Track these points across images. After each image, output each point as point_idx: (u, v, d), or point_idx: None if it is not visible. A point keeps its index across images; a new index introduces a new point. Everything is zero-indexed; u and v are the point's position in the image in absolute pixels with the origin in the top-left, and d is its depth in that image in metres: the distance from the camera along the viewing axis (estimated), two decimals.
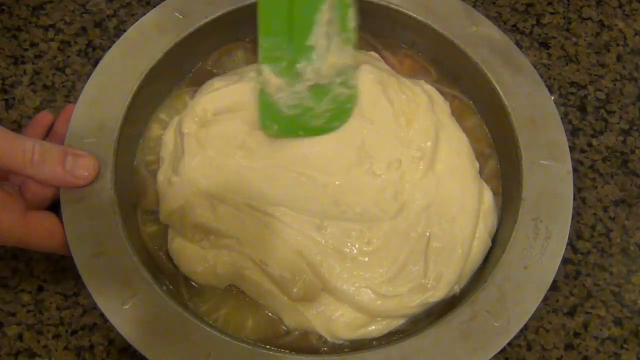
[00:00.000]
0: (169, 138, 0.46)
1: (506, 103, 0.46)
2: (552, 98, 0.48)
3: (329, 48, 0.43)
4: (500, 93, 0.46)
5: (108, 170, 0.41)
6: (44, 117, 0.47)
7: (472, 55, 0.48)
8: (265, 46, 0.43)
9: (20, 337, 0.47)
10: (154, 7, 0.49)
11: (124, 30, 0.47)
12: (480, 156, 0.48)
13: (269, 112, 0.43)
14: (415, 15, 0.49)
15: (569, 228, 0.42)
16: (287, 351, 0.39)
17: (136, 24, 0.47)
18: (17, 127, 0.56)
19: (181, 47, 0.47)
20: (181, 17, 0.47)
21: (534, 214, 0.42)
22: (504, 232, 0.44)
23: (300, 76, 0.43)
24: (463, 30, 0.49)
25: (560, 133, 0.45)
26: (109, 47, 0.48)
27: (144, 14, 0.49)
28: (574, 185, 0.44)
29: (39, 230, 0.39)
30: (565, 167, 0.44)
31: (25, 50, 0.59)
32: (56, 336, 0.47)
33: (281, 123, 0.43)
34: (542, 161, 0.44)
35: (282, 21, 0.42)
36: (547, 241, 0.41)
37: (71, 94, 0.58)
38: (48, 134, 0.47)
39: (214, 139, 0.44)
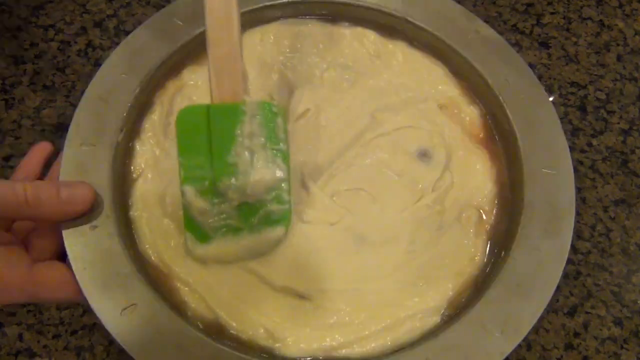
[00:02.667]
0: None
1: (505, 105, 0.46)
2: (552, 98, 0.48)
3: (253, 164, 0.39)
4: (499, 95, 0.46)
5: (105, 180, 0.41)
6: (43, 149, 0.46)
7: (470, 58, 0.48)
8: (186, 165, 0.39)
9: (20, 337, 0.47)
10: (154, 7, 0.49)
11: (124, 30, 0.47)
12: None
13: (197, 235, 0.40)
14: (412, 20, 0.49)
15: (571, 232, 0.42)
16: None
17: (135, 31, 0.47)
18: (17, 127, 0.56)
19: (180, 55, 0.47)
20: (181, 23, 0.47)
21: (535, 216, 0.42)
22: (505, 234, 0.44)
23: (224, 196, 0.39)
24: (461, 33, 0.49)
25: (560, 135, 0.45)
26: (109, 48, 0.48)
27: (144, 14, 0.49)
28: (574, 185, 0.44)
29: (49, 282, 0.38)
30: (565, 167, 0.44)
31: (25, 50, 0.59)
32: (56, 336, 0.47)
33: (209, 247, 0.40)
34: (542, 162, 0.44)
35: (201, 137, 0.39)
36: (549, 243, 0.41)
37: (71, 94, 0.58)
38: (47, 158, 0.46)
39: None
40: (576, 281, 0.51)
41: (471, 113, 0.47)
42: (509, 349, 0.38)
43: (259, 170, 0.39)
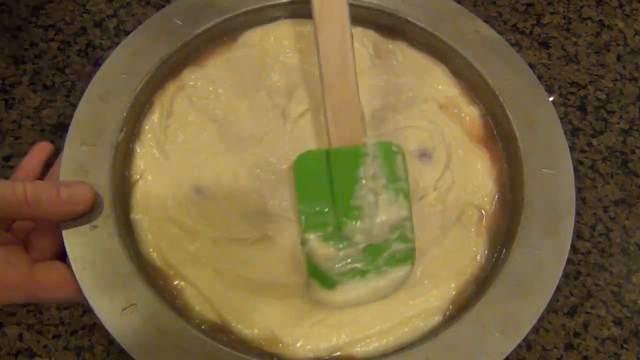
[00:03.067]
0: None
1: (505, 105, 0.46)
2: (552, 98, 0.48)
3: (378, 205, 0.39)
4: (499, 95, 0.46)
5: (105, 187, 0.41)
6: (43, 149, 0.46)
7: (470, 58, 0.48)
8: (307, 212, 0.39)
9: (20, 337, 0.47)
10: (154, 7, 0.49)
11: (124, 30, 0.47)
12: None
13: (322, 282, 0.39)
14: (412, 20, 0.49)
15: (571, 232, 0.42)
16: None
17: (134, 31, 0.47)
18: (17, 127, 0.56)
19: (180, 55, 0.47)
20: (181, 23, 0.47)
21: (535, 216, 0.42)
22: (505, 234, 0.44)
23: (350, 240, 0.39)
24: (461, 33, 0.49)
25: (560, 135, 0.45)
26: (109, 48, 0.48)
27: (144, 14, 0.49)
28: (574, 185, 0.44)
29: (49, 282, 0.38)
30: (565, 167, 0.44)
31: (25, 50, 0.59)
32: (56, 336, 0.47)
33: (336, 293, 0.39)
34: (542, 162, 0.44)
35: (321, 183, 0.39)
36: (549, 243, 0.41)
37: (71, 94, 0.58)
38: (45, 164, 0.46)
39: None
40: (576, 281, 0.51)
41: (471, 113, 0.47)
42: (509, 349, 0.38)
43: (384, 210, 0.39)
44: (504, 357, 0.37)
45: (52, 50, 0.60)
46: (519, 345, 0.47)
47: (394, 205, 0.39)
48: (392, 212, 0.39)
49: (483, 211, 0.44)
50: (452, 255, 0.42)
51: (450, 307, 0.41)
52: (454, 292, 0.41)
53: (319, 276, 0.39)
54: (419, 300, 0.40)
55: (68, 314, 0.48)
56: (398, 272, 0.40)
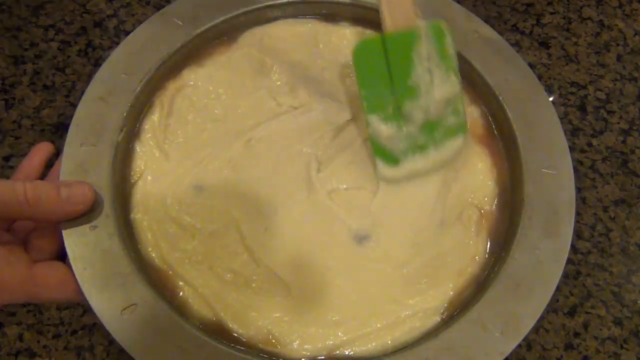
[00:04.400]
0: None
1: (505, 105, 0.46)
2: (552, 98, 0.48)
3: (434, 83, 0.41)
4: (499, 95, 0.46)
5: (105, 189, 0.40)
6: (44, 149, 0.46)
7: (470, 58, 0.48)
8: (367, 96, 0.42)
9: (20, 337, 0.47)
10: (154, 7, 0.49)
11: (124, 30, 0.47)
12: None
13: (386, 160, 0.43)
14: None
15: (571, 232, 0.42)
16: None
17: (134, 31, 0.47)
18: (17, 127, 0.56)
19: (180, 55, 0.47)
20: (181, 23, 0.47)
21: (535, 216, 0.42)
22: (505, 234, 0.44)
23: (409, 118, 0.42)
24: (461, 33, 0.49)
25: (560, 135, 0.45)
26: (109, 48, 0.48)
27: (144, 14, 0.49)
28: (574, 185, 0.44)
29: (49, 282, 0.38)
30: (565, 167, 0.44)
31: (25, 50, 0.59)
32: (56, 336, 0.47)
33: (399, 169, 0.43)
34: (542, 162, 0.44)
35: (379, 67, 0.41)
36: (549, 243, 0.41)
37: (71, 94, 0.58)
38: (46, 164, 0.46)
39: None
40: (576, 281, 0.51)
41: (471, 113, 0.47)
42: (509, 349, 0.38)
43: (440, 87, 0.41)
44: (504, 357, 0.37)
45: (52, 50, 0.60)
46: (519, 345, 0.47)
47: (447, 82, 0.42)
48: (446, 88, 0.42)
49: (483, 211, 0.44)
50: (451, 254, 0.42)
51: (448, 307, 0.41)
52: (451, 293, 0.41)
53: (383, 155, 0.42)
54: (417, 300, 0.40)
55: (68, 314, 0.48)
56: (454, 143, 0.43)
